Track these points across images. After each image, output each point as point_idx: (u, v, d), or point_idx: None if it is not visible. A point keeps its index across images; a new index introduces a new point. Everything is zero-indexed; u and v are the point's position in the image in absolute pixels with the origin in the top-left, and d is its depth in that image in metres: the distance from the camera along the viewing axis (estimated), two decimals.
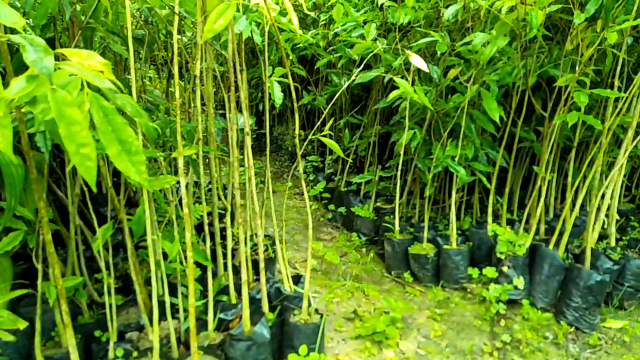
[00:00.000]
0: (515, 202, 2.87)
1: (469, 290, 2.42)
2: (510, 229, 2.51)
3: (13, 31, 0.97)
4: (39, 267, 1.53)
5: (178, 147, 1.48)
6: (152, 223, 1.57)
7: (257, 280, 2.06)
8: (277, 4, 1.77)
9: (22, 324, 1.17)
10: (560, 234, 2.29)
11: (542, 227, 2.53)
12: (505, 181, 2.72)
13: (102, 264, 1.60)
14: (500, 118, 2.27)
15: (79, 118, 0.89)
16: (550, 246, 2.28)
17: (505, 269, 2.28)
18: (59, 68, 0.90)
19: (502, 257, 2.31)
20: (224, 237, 2.04)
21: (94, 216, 1.61)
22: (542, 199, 2.41)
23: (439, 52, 2.37)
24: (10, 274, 1.48)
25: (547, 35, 2.43)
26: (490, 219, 2.55)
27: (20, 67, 1.51)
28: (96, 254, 1.81)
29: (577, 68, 2.14)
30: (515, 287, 2.24)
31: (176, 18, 1.42)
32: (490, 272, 2.28)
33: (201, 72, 1.83)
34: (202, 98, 1.79)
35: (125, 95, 1.15)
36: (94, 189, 0.91)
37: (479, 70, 2.37)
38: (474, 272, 2.33)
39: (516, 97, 2.42)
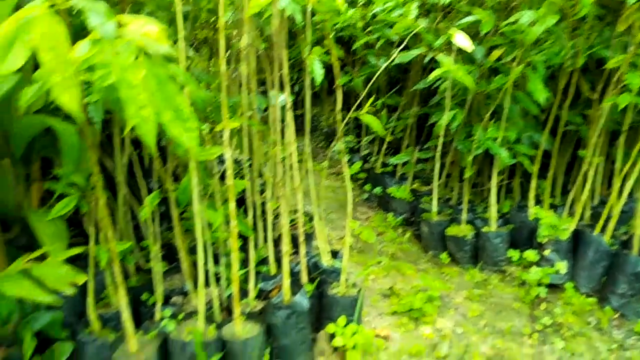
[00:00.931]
0: (559, 188, 2.79)
1: (508, 272, 2.38)
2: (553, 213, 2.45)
3: None
4: (91, 230, 1.61)
5: (223, 118, 1.52)
6: (197, 192, 1.61)
7: (295, 253, 2.09)
8: None
9: (81, 279, 1.24)
10: (607, 219, 2.21)
11: (587, 213, 2.45)
12: (548, 165, 2.64)
13: (150, 231, 1.67)
14: (546, 100, 2.20)
15: (137, 82, 0.93)
16: (596, 232, 2.21)
17: (547, 252, 2.23)
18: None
19: (544, 240, 2.25)
20: (263, 212, 2.08)
21: (143, 184, 1.67)
22: (588, 184, 2.33)
23: (482, 32, 2.31)
24: (65, 235, 1.57)
25: (598, 15, 2.32)
26: (532, 202, 2.49)
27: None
28: (143, 223, 1.89)
29: (629, 49, 2.05)
30: (557, 272, 2.19)
31: None
32: (531, 255, 2.24)
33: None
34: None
35: (176, 65, 1.18)
36: (154, 151, 0.95)
37: (525, 51, 2.30)
38: (514, 254, 2.29)
39: (564, 79, 2.33)
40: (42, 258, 1.34)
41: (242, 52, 1.55)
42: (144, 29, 1.03)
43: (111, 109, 1.46)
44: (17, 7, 0.88)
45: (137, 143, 2.06)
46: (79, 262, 1.81)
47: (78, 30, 1.53)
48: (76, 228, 2.10)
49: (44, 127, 1.49)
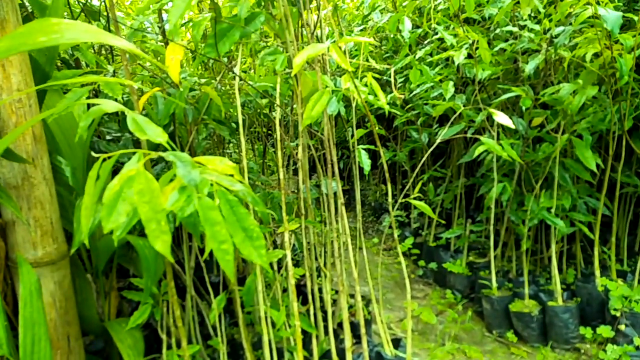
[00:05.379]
0: (624, 251, 2.67)
1: (583, 351, 2.24)
2: (622, 282, 2.34)
3: (158, 146, 1.15)
4: (164, 337, 1.70)
5: (284, 223, 1.61)
6: (263, 294, 1.68)
7: (356, 343, 2.08)
8: (365, 85, 1.91)
9: None
10: None
11: None
12: (608, 227, 2.55)
13: (219, 333, 1.74)
14: (597, 165, 2.18)
15: (219, 219, 1.03)
16: None
17: (622, 327, 2.11)
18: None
19: (617, 314, 2.14)
20: (321, 298, 2.11)
21: (210, 289, 1.76)
22: None
23: (523, 108, 2.36)
24: (142, 346, 1.64)
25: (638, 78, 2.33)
26: (597, 272, 2.39)
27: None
28: (211, 324, 1.96)
29: None
30: (637, 348, 2.06)
31: (278, 111, 1.59)
32: (605, 331, 2.12)
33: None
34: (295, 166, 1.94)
35: (245, 185, 1.30)
36: (232, 279, 1.03)
37: (568, 119, 2.32)
38: (587, 332, 2.17)
39: (613, 143, 2.31)
40: None
41: (299, 161, 1.66)
42: (220, 167, 1.17)
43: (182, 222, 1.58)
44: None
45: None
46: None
47: None
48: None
49: (124, 243, 1.63)
